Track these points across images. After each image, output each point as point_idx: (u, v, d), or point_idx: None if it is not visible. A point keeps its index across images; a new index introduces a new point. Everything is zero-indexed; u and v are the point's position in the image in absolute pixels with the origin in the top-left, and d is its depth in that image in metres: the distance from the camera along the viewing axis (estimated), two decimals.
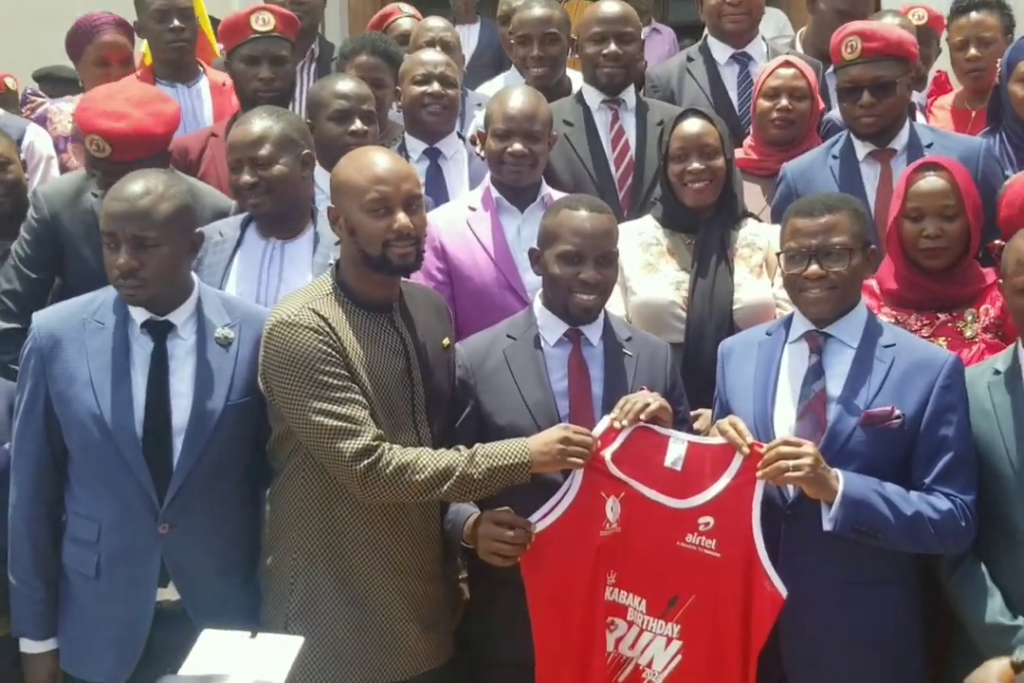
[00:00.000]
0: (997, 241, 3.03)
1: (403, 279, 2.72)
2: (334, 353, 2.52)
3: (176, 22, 4.18)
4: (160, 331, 2.68)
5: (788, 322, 2.76)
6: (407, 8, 4.99)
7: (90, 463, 2.64)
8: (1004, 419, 2.57)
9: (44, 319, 2.73)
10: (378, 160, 2.62)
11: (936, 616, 2.70)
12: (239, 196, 3.16)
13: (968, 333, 2.96)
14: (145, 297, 2.65)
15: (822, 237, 2.63)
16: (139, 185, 2.66)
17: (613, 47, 3.78)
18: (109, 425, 2.62)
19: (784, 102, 3.68)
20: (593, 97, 3.84)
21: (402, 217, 2.56)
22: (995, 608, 2.53)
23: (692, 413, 2.92)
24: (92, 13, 4.54)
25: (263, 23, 3.85)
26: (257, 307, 2.91)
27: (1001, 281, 2.68)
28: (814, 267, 2.62)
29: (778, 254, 2.74)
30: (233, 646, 2.02)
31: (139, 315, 2.68)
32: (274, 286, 3.07)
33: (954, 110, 4.22)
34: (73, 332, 2.67)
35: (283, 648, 2.02)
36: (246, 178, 3.07)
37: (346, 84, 3.57)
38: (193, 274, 2.77)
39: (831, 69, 3.96)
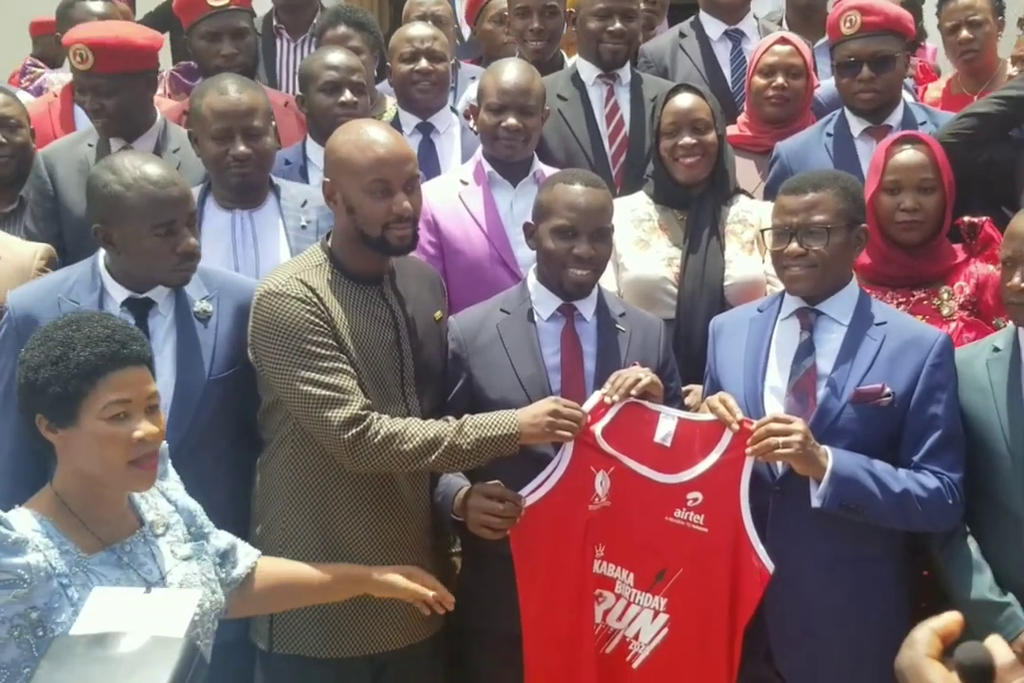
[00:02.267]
0: (966, 218, 3.05)
1: None
2: (322, 323, 2.51)
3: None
4: (141, 309, 2.66)
5: (780, 299, 2.76)
6: None
7: None
8: (1001, 397, 2.57)
9: (19, 298, 2.70)
10: (380, 139, 2.59)
11: (921, 590, 2.72)
12: (218, 165, 3.06)
13: (945, 310, 2.98)
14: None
15: (803, 215, 2.63)
16: (165, 167, 2.66)
17: (618, 24, 3.75)
18: None
19: (780, 80, 3.66)
20: (588, 72, 3.82)
21: (403, 200, 2.55)
22: (984, 584, 2.55)
23: (683, 389, 2.92)
24: None
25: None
26: (234, 276, 2.88)
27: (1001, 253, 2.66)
28: (793, 245, 2.63)
29: (762, 231, 2.74)
30: (128, 603, 1.86)
31: (119, 293, 2.66)
32: (251, 256, 3.05)
33: (949, 96, 4.22)
34: (49, 312, 2.61)
35: (180, 602, 1.88)
36: (241, 149, 3.02)
37: (336, 56, 3.56)
38: None
39: (818, 43, 3.97)
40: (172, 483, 2.19)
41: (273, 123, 3.13)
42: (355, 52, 3.77)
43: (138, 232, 2.58)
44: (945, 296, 2.99)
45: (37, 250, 3.12)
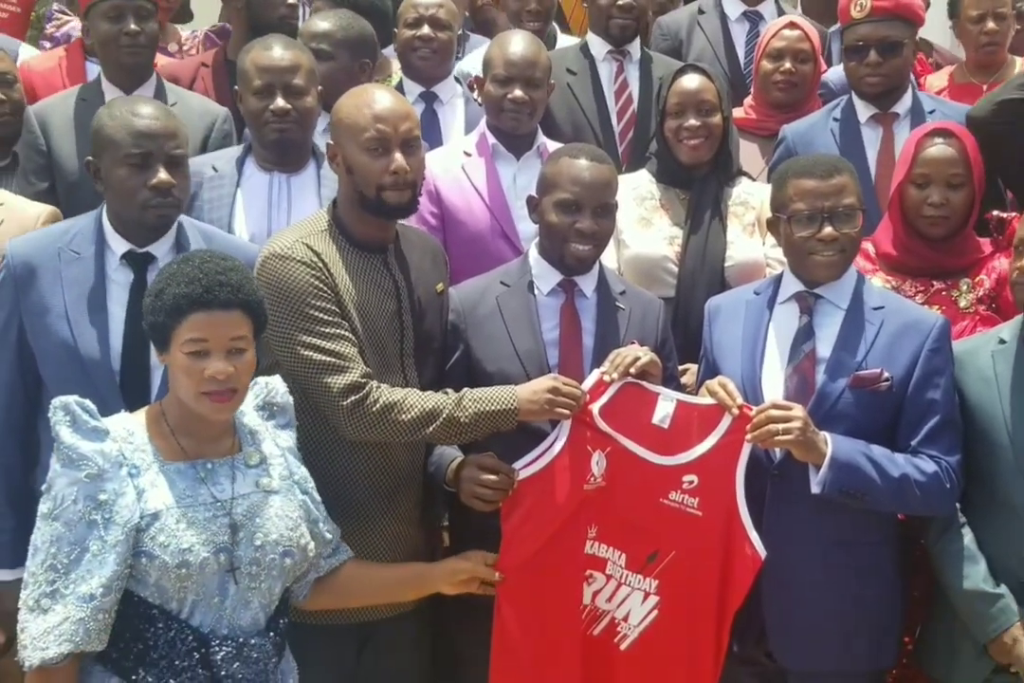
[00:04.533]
0: (995, 212, 3.03)
1: (400, 222, 2.68)
2: (326, 288, 2.49)
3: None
4: (140, 263, 2.63)
5: (777, 282, 2.74)
6: None
7: (65, 394, 2.59)
8: (1005, 389, 2.58)
9: (19, 247, 2.68)
10: (379, 98, 2.58)
11: (914, 575, 2.73)
12: (257, 121, 3.07)
13: (963, 303, 2.96)
14: (173, 218, 2.64)
15: (834, 199, 2.61)
16: (155, 106, 2.67)
17: None
18: (84, 358, 2.58)
19: (788, 64, 3.66)
20: (599, 47, 3.80)
21: (399, 157, 2.53)
22: (979, 575, 2.55)
23: (680, 368, 2.91)
24: None
25: None
26: (237, 239, 2.89)
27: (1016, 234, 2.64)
28: (828, 229, 2.59)
29: (786, 217, 2.65)
30: None
31: (119, 245, 2.64)
32: (284, 220, 3.04)
33: (955, 85, 4.21)
34: (48, 262, 2.62)
35: None
36: (281, 104, 3.03)
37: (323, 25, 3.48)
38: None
39: (832, 29, 3.95)
40: (290, 440, 2.40)
41: (319, 86, 3.11)
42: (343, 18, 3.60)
43: (114, 162, 2.59)
44: (964, 288, 2.97)
45: (41, 213, 3.09)
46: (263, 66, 3.05)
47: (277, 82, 3.04)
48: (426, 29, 3.70)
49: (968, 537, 2.60)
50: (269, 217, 3.06)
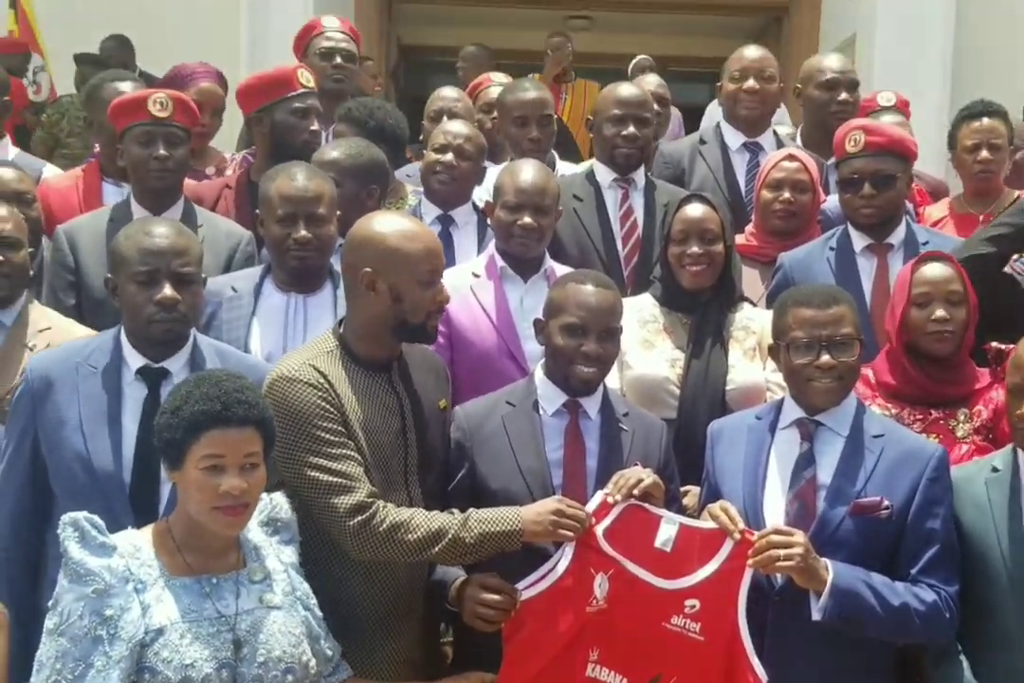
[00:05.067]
0: (994, 343, 3.09)
1: None
2: (332, 409, 2.54)
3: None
4: (155, 378, 2.69)
5: (779, 407, 2.80)
6: (499, 77, 4.97)
7: (76, 507, 2.58)
8: (1000, 517, 2.61)
9: (38, 361, 2.75)
10: (422, 231, 2.70)
11: None
12: (280, 249, 3.15)
13: (960, 433, 3.00)
14: (180, 333, 2.70)
15: (832, 328, 2.68)
16: (169, 224, 2.76)
17: (632, 129, 3.85)
18: (97, 470, 2.62)
19: (787, 194, 3.75)
20: (604, 175, 3.91)
21: (444, 290, 2.66)
22: None
23: (681, 490, 2.93)
24: (189, 64, 4.63)
25: (307, 80, 3.91)
26: (251, 358, 2.94)
27: (1007, 380, 2.71)
28: (826, 358, 2.66)
29: (784, 344, 2.73)
30: None
31: (135, 361, 2.70)
32: (300, 339, 3.09)
33: (954, 215, 4.33)
34: (66, 376, 2.68)
35: None
36: (303, 233, 3.10)
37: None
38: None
39: (831, 161, 4.09)
40: (293, 556, 2.44)
41: (338, 212, 3.20)
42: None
43: (125, 278, 2.68)
44: (961, 418, 3.02)
45: (88, 335, 3.11)
46: (286, 195, 3.13)
47: (300, 212, 3.11)
48: (450, 157, 3.80)
49: (964, 666, 2.59)
50: (285, 336, 3.11)
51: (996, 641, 2.59)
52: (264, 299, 3.18)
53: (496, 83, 4.84)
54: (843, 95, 4.43)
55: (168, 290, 2.65)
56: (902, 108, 4.74)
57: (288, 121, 3.88)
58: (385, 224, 2.69)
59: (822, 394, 2.69)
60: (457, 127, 3.95)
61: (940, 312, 3.01)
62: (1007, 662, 2.56)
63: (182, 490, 2.28)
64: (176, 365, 2.71)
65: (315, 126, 3.88)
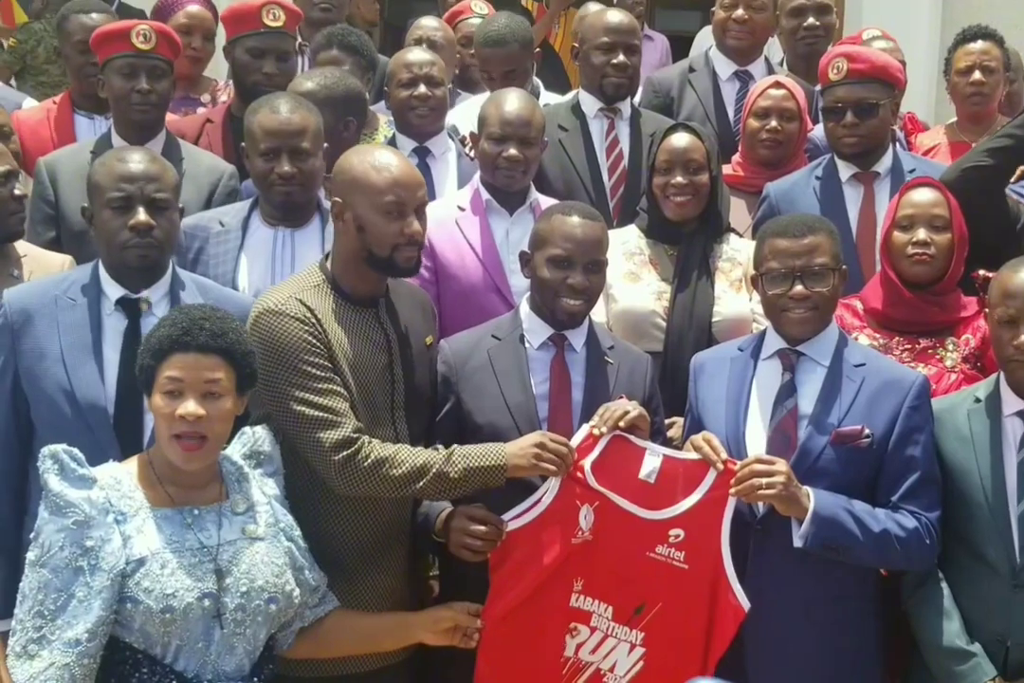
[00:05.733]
0: (981, 271, 3.08)
1: None
2: (319, 344, 2.54)
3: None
4: (134, 308, 2.69)
5: (761, 339, 2.81)
6: (479, 7, 4.83)
7: (59, 439, 2.60)
8: (981, 448, 2.63)
9: (16, 295, 2.74)
10: (396, 162, 2.64)
11: (896, 629, 2.75)
12: (264, 183, 3.12)
13: (948, 362, 3.02)
14: (155, 260, 2.69)
15: (806, 258, 2.68)
16: (143, 152, 2.74)
17: (622, 57, 3.79)
18: (80, 401, 2.63)
19: (773, 123, 3.72)
20: (590, 105, 3.86)
21: (415, 223, 2.60)
22: (952, 631, 2.60)
23: (666, 421, 2.96)
24: None
25: (274, 18, 3.80)
26: (231, 292, 2.94)
27: (987, 311, 2.73)
28: (799, 288, 2.67)
29: (759, 275, 2.76)
30: None
31: (114, 292, 2.70)
32: (287, 274, 3.07)
33: (949, 143, 4.29)
34: (45, 308, 2.68)
35: None
36: (286, 168, 3.06)
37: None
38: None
39: (819, 87, 4.04)
40: (276, 488, 2.46)
41: (325, 145, 3.16)
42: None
43: (100, 205, 2.68)
44: (950, 347, 3.03)
45: (64, 261, 3.16)
46: (269, 129, 3.08)
47: (284, 146, 3.06)
48: (423, 88, 3.74)
49: (944, 593, 2.64)
50: (273, 271, 3.10)
51: (976, 567, 2.63)
52: (251, 233, 3.15)
53: (476, 14, 4.75)
54: (810, 20, 4.38)
55: (142, 215, 2.64)
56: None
57: (242, 59, 3.83)
58: (358, 154, 2.68)
59: (797, 324, 2.70)
60: (416, 55, 3.87)
61: (921, 235, 3.01)
62: (986, 591, 2.60)
63: (155, 420, 2.32)
64: (155, 295, 2.71)
65: (269, 68, 3.77)
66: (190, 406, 2.24)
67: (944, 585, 2.65)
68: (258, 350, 2.52)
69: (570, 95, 4.25)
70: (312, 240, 3.14)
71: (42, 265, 3.08)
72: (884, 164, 3.56)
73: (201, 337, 2.26)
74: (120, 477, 2.27)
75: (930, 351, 3.04)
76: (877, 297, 3.09)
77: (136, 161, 2.70)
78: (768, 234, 2.76)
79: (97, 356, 2.65)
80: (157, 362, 2.27)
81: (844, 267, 2.76)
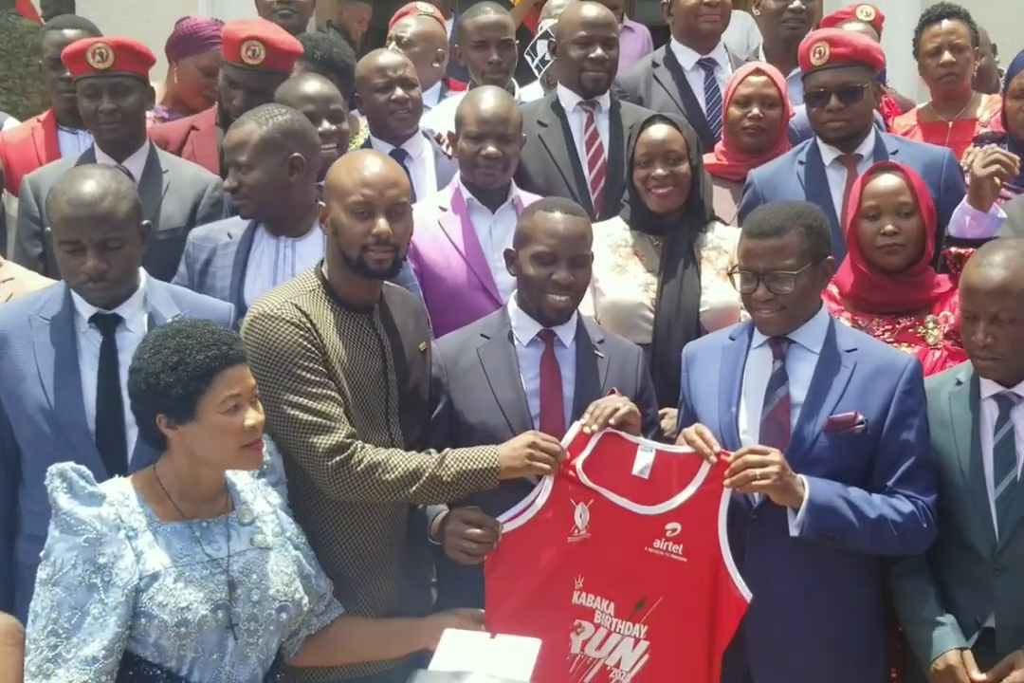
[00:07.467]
0: (953, 249, 3.09)
1: (385, 282, 2.74)
2: (313, 349, 2.54)
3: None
4: (108, 325, 2.69)
5: (751, 327, 2.80)
6: (424, 7, 4.74)
7: (43, 459, 2.59)
8: (960, 431, 2.63)
9: None
10: (369, 164, 2.65)
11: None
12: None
13: (930, 339, 3.02)
14: (113, 297, 2.68)
15: (769, 259, 2.64)
16: (93, 185, 2.64)
17: (599, 51, 3.78)
18: (60, 420, 2.63)
19: (755, 110, 3.71)
20: (569, 99, 3.85)
21: (382, 223, 2.58)
22: (924, 604, 2.61)
23: (659, 412, 2.95)
24: (199, 19, 4.48)
25: (252, 55, 3.68)
26: (206, 298, 2.94)
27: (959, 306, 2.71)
28: (761, 290, 2.65)
29: (731, 270, 2.76)
30: (475, 645, 2.30)
31: (86, 310, 2.69)
32: None
33: (922, 124, 4.28)
34: (19, 330, 2.67)
35: (523, 648, 2.29)
36: (229, 182, 3.10)
37: (311, 85, 3.53)
38: (142, 269, 2.78)
39: (792, 74, 4.03)
40: (280, 497, 2.48)
41: (295, 153, 3.11)
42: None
43: (56, 243, 2.66)
44: (931, 325, 3.02)
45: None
46: (224, 145, 3.12)
47: (228, 161, 3.08)
48: (399, 92, 3.71)
49: (923, 567, 2.64)
50: (275, 282, 3.08)
51: (958, 553, 2.63)
52: (256, 245, 3.16)
53: (423, 12, 4.66)
54: (796, 3, 4.37)
55: (91, 261, 2.60)
56: (878, 24, 4.63)
57: (222, 82, 3.80)
58: (342, 159, 2.71)
59: (764, 324, 2.70)
60: (388, 59, 3.82)
61: (889, 226, 3.00)
62: (967, 572, 2.61)
63: (191, 441, 2.27)
64: (129, 311, 2.70)
65: (238, 102, 3.67)
66: (256, 415, 2.29)
67: (923, 564, 2.65)
68: (253, 354, 2.52)
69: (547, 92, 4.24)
70: (314, 249, 3.12)
71: (27, 290, 3.04)
72: (867, 146, 3.56)
73: (238, 348, 2.30)
74: (128, 493, 2.28)
75: (911, 330, 3.03)
76: (850, 281, 3.08)
77: (81, 204, 2.59)
78: (744, 229, 2.75)
79: (74, 374, 2.65)
80: (207, 384, 2.23)
81: (830, 258, 2.73)
